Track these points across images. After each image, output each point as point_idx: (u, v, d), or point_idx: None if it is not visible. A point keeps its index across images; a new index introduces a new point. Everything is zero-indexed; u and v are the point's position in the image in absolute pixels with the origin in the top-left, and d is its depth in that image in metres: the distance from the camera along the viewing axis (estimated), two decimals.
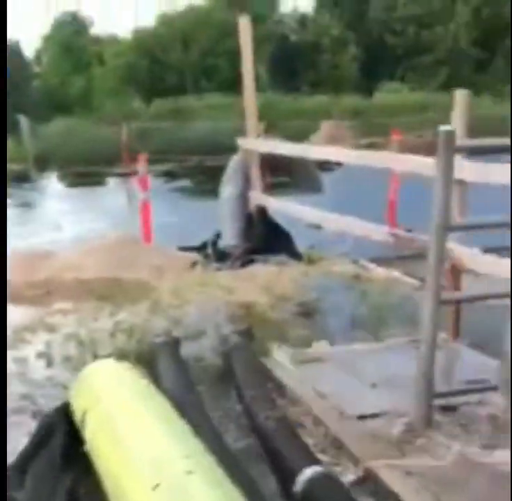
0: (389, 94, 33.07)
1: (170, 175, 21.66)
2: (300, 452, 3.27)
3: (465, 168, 4.10)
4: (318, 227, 8.72)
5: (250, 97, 7.39)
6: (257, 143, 7.33)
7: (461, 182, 4.50)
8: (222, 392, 4.10)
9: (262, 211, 7.12)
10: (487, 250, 4.52)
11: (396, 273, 6.73)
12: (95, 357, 4.25)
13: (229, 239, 7.18)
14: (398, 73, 38.73)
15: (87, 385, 3.56)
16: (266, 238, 6.99)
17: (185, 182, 21.93)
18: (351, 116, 28.65)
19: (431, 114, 28.26)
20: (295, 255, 7.00)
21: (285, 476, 3.13)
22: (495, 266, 4.35)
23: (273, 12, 44.13)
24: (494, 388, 3.57)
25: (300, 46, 41.09)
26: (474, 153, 3.74)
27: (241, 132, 7.56)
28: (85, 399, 3.38)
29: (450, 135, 3.32)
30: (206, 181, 18.22)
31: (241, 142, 7.57)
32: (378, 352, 4.43)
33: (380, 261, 7.56)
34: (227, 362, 4.35)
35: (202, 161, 23.31)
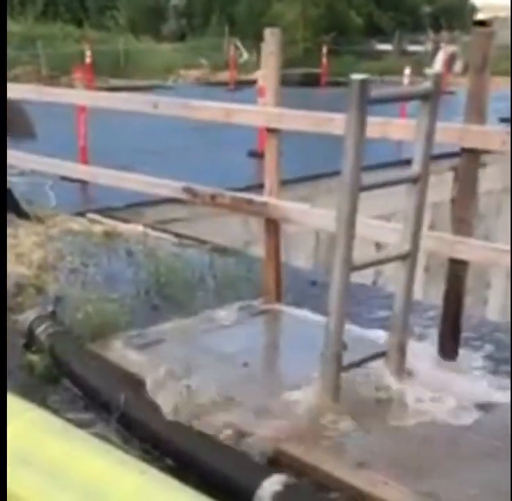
0: None
1: None
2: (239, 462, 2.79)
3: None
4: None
5: None
6: None
7: None
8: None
9: None
10: None
11: (140, 228, 6.20)
12: None
13: None
14: None
15: None
16: None
17: None
18: None
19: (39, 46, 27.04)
20: (21, 214, 5.99)
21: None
22: (319, 217, 4.23)
23: None
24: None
25: None
26: (390, 102, 3.45)
27: None
28: None
29: (364, 84, 2.99)
30: None
31: None
32: (219, 324, 3.99)
33: (103, 212, 6.93)
34: (55, 359, 3.52)
35: None
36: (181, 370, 3.22)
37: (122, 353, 3.60)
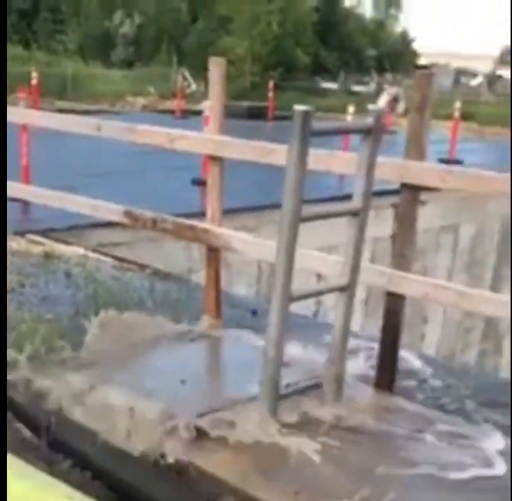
0: None
1: None
2: None
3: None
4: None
5: None
6: None
7: None
8: None
9: None
10: None
11: (80, 250, 6.13)
12: None
13: None
14: None
15: None
16: None
17: None
18: None
19: None
20: None
21: None
22: (260, 247, 4.26)
23: None
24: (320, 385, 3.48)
25: None
26: (332, 135, 3.51)
27: None
28: None
29: (306, 116, 3.04)
30: None
31: None
32: (156, 349, 3.96)
33: (44, 233, 6.84)
34: None
35: None
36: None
37: (56, 374, 3.53)
